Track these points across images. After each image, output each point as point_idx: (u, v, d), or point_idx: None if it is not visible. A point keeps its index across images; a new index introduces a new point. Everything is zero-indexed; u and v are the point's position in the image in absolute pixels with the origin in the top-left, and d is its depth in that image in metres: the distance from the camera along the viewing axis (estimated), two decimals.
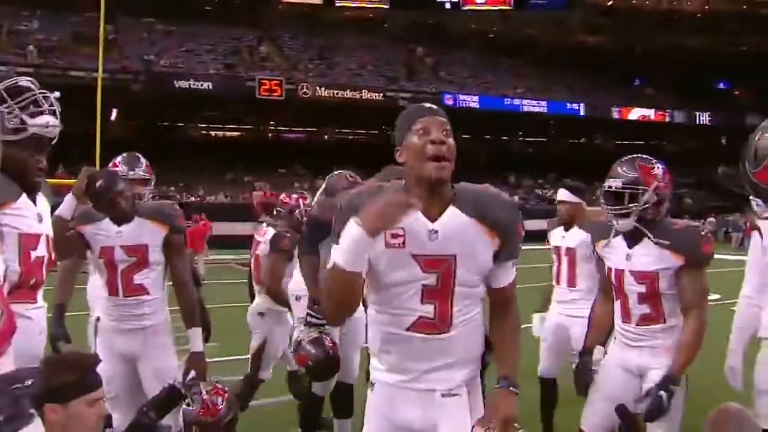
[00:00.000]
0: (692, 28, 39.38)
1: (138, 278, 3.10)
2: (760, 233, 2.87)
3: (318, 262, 3.48)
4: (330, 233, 2.00)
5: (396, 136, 1.94)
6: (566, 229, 4.03)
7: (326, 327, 3.41)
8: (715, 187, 35.85)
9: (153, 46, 31.10)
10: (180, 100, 29.37)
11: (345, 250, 1.75)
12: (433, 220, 1.89)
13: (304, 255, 3.67)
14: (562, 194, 4.13)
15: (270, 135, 35.39)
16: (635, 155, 2.95)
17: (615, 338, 2.98)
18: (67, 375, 1.84)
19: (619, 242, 2.88)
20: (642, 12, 39.65)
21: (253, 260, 4.84)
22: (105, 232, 3.09)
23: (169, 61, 30.42)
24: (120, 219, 3.08)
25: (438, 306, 1.90)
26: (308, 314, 3.48)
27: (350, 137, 35.60)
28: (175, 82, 28.60)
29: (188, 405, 2.97)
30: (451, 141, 1.87)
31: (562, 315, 4.00)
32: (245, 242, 5.87)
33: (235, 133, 34.96)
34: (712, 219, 27.63)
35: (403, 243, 1.87)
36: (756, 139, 2.75)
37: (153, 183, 3.89)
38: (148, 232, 3.10)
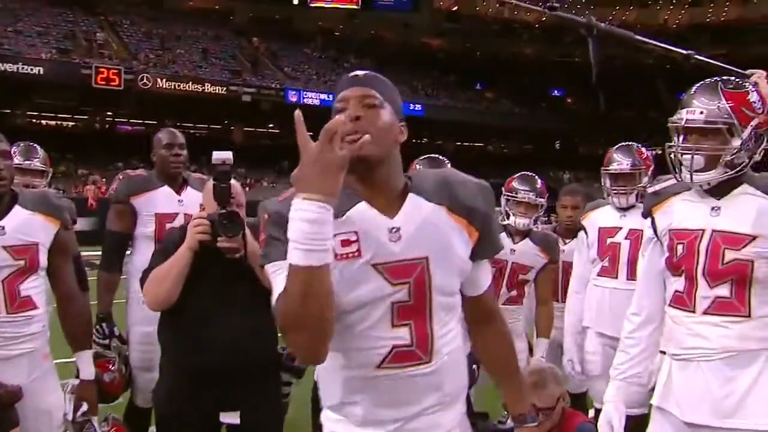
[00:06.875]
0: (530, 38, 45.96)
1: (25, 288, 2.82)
2: (586, 232, 3.95)
3: (117, 281, 3.90)
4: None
5: None
6: None
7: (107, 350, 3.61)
8: None
9: None
10: (6, 84, 30.24)
11: (302, 241, 1.44)
12: (391, 215, 1.66)
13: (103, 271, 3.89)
14: None
15: (106, 126, 37.54)
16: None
17: None
18: None
19: None
20: (484, 19, 45.56)
21: None
22: None
23: None
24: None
25: (414, 327, 1.66)
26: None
27: (191, 131, 38.53)
28: (0, 64, 29.42)
29: None
30: (376, 113, 1.65)
31: None
32: (77, 239, 4.84)
33: (68, 123, 36.94)
34: None
35: (359, 251, 1.62)
36: None
37: (50, 176, 4.31)
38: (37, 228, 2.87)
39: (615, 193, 3.86)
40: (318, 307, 1.48)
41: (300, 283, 1.46)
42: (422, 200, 1.70)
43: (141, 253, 3.87)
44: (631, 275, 3.68)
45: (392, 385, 1.67)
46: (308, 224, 1.45)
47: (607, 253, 3.86)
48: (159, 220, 3.84)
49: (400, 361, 1.66)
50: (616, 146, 3.97)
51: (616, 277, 3.82)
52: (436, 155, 3.88)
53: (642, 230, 3.58)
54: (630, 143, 3.98)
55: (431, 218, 1.69)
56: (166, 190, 3.91)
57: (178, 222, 3.84)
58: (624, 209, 3.86)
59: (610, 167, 3.89)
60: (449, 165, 3.70)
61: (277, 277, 1.58)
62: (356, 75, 1.75)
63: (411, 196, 1.70)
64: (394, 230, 1.66)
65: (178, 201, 3.92)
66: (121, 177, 4.31)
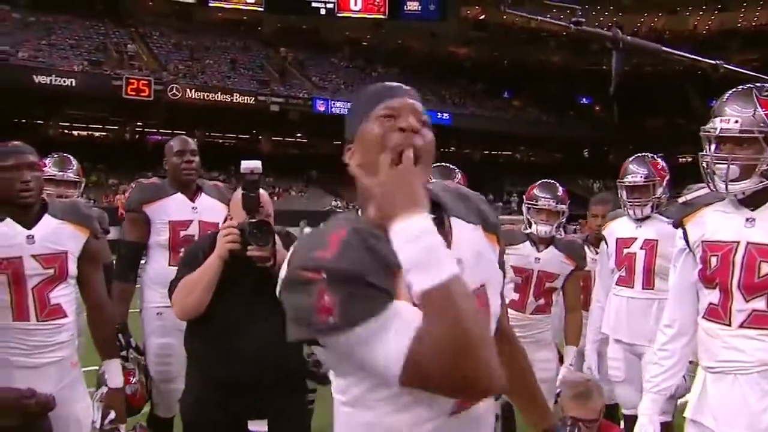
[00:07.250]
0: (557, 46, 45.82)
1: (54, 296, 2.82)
2: (606, 242, 4.05)
3: (132, 291, 3.81)
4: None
5: (347, 129, 1.51)
6: None
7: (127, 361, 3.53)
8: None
9: (8, 37, 32.46)
10: (40, 96, 30.97)
11: (442, 251, 1.28)
12: (447, 243, 1.42)
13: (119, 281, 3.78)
14: None
15: (136, 136, 38.05)
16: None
17: None
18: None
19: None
20: (511, 28, 45.54)
21: None
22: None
23: (28, 53, 32.05)
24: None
25: None
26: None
27: (220, 141, 38.92)
28: (34, 76, 29.85)
29: None
30: (427, 131, 1.46)
31: None
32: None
33: (99, 134, 37.54)
34: None
35: None
36: None
37: (83, 187, 4.32)
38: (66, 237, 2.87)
39: (630, 205, 3.92)
40: (476, 313, 1.30)
41: (456, 297, 1.25)
42: (464, 223, 1.55)
43: (155, 262, 3.87)
44: (647, 284, 3.85)
45: (458, 430, 1.47)
46: (435, 235, 1.29)
47: (623, 263, 3.94)
48: (173, 228, 3.81)
49: (464, 401, 1.46)
50: (632, 157, 4.03)
51: (633, 287, 3.90)
52: (447, 164, 3.86)
53: (657, 240, 3.77)
54: (645, 154, 4.03)
55: (479, 242, 1.56)
56: (179, 198, 3.87)
57: (193, 229, 3.82)
58: (640, 220, 3.92)
59: (625, 179, 3.95)
60: (459, 174, 3.74)
61: (385, 334, 1.30)
62: (401, 86, 1.56)
63: (454, 220, 1.53)
64: (458, 261, 1.40)
65: (192, 208, 3.87)
66: (134, 186, 4.28)
